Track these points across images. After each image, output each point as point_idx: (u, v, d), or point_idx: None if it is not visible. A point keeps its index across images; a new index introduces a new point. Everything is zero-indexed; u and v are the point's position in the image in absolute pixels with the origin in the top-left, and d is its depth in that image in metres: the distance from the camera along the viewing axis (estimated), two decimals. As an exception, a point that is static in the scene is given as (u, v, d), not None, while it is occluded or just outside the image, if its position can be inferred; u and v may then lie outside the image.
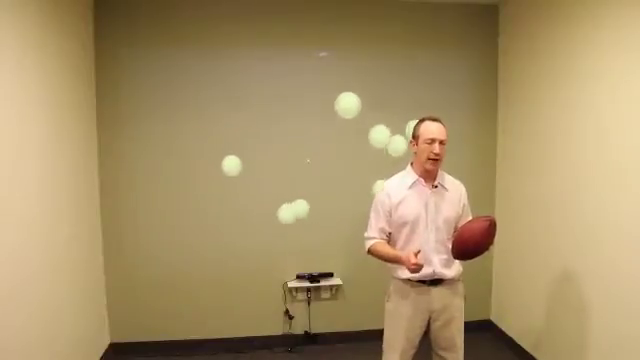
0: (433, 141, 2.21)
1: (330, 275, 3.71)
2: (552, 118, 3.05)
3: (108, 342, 3.49)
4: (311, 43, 3.59)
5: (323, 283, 3.67)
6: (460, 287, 2.40)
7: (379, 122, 3.66)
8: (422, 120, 2.31)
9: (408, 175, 2.34)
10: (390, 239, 2.38)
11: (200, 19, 3.46)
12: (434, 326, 2.33)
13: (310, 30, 3.59)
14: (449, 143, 2.31)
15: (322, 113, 3.62)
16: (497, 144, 3.83)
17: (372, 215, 2.40)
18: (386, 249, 2.31)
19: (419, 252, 2.14)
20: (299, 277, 3.67)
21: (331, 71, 3.62)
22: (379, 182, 2.47)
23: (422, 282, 2.29)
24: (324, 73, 3.61)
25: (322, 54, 3.58)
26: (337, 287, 3.75)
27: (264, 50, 3.53)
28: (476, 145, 3.82)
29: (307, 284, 3.65)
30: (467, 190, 2.45)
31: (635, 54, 2.31)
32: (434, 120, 2.27)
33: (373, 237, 2.37)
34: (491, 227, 2.10)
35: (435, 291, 2.29)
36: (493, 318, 3.92)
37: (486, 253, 2.17)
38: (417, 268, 2.11)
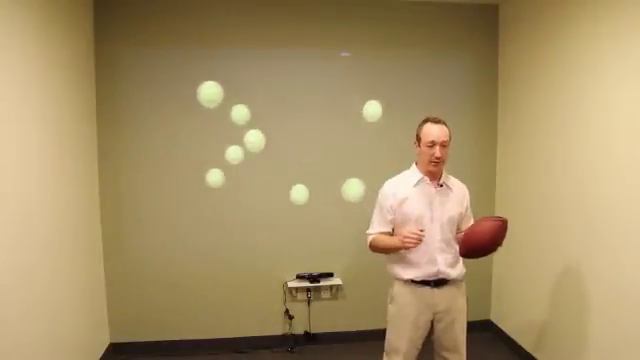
0: (434, 144, 2.20)
1: (330, 275, 3.71)
2: (552, 118, 3.05)
3: (108, 342, 3.49)
4: (310, 43, 3.59)
5: (323, 283, 3.67)
6: (463, 287, 2.39)
7: (380, 121, 3.66)
8: (425, 121, 2.28)
9: (413, 174, 2.33)
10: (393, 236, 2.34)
11: (201, 19, 3.45)
12: (438, 327, 2.32)
13: (310, 31, 3.58)
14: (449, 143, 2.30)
15: (323, 112, 3.62)
16: (497, 144, 3.83)
17: (375, 212, 2.39)
18: (383, 237, 2.30)
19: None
20: (299, 277, 3.67)
21: (330, 72, 3.61)
22: (382, 182, 2.45)
23: (426, 283, 2.27)
24: (323, 74, 3.61)
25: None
26: (337, 287, 3.75)
27: (265, 50, 3.53)
28: (476, 145, 3.81)
29: (307, 284, 3.64)
30: (468, 191, 2.45)
31: (635, 53, 2.31)
32: (436, 122, 2.24)
33: (374, 232, 2.35)
34: (503, 226, 2.12)
35: (439, 292, 2.27)
36: (493, 318, 3.92)
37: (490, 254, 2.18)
38: (414, 239, 2.09)
